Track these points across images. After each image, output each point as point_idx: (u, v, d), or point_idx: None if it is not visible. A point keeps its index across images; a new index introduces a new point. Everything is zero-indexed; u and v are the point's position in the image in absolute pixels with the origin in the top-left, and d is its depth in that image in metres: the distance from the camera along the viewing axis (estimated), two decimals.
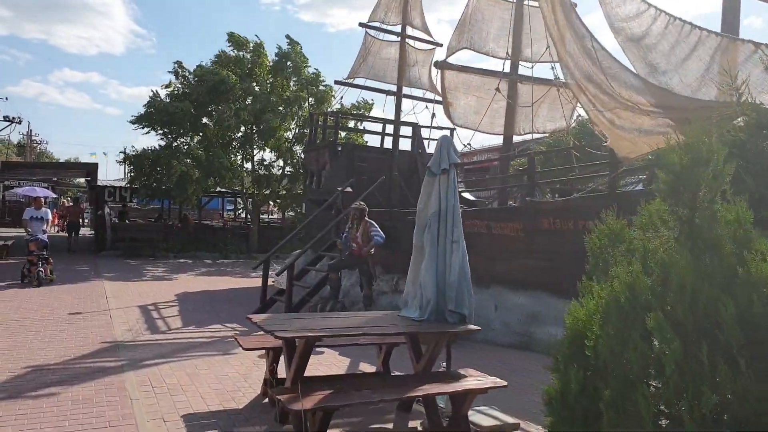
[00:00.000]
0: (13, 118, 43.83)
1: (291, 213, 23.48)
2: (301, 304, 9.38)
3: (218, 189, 22.34)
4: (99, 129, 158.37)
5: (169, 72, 20.74)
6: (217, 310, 10.27)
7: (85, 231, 26.06)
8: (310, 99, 21.19)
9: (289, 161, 21.12)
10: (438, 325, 4.99)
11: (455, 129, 13.59)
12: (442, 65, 9.09)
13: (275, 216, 31.28)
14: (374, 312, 5.80)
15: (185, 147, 20.06)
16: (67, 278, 13.24)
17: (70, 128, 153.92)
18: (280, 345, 5.16)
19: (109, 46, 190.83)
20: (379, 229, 8.67)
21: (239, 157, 21.05)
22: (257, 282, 13.79)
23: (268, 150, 21.02)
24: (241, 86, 19.17)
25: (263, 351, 5.82)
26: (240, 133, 20.71)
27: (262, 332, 7.88)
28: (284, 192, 21.52)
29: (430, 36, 13.94)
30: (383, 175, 11.61)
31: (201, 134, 20.53)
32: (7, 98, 55.69)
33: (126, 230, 19.11)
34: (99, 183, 23.07)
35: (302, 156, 19.69)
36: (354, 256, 8.92)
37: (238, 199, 30.89)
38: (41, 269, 11.71)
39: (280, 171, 21.58)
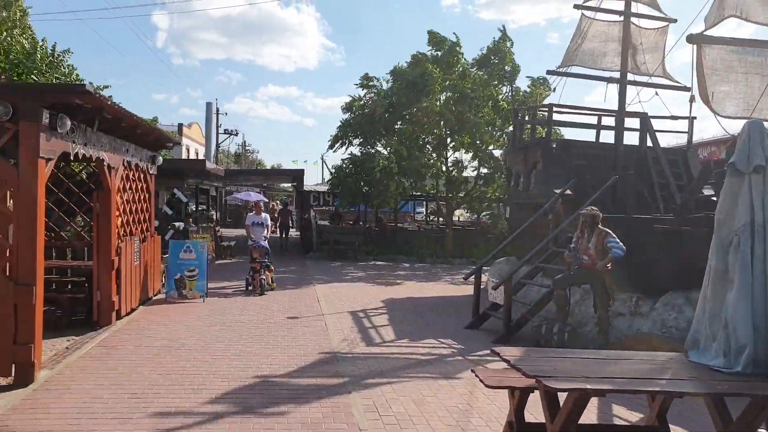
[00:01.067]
0: (232, 131, 49.74)
1: (486, 215, 22.46)
2: (520, 322, 8.37)
3: (412, 193, 22.16)
4: (298, 138, 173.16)
5: (356, 85, 21.15)
6: (427, 321, 9.71)
7: (292, 232, 27.90)
8: (508, 94, 20.09)
9: (485, 162, 20.16)
10: (761, 382, 3.65)
11: (695, 118, 11.51)
12: (698, 39, 7.40)
13: (462, 218, 30.63)
14: (654, 354, 4.56)
15: (384, 149, 20.27)
16: (282, 279, 13.81)
17: (274, 138, 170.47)
18: (531, 384, 4.26)
19: (305, 62, 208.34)
20: (617, 240, 7.33)
21: (433, 159, 20.69)
22: (461, 290, 13.16)
23: (463, 151, 20.32)
24: (441, 81, 18.69)
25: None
26: (432, 135, 20.36)
27: (485, 354, 6.97)
28: (478, 194, 20.66)
29: (660, 11, 11.99)
30: (605, 174, 10.10)
31: (395, 138, 20.54)
32: (226, 113, 62.93)
33: (330, 233, 19.80)
34: (305, 188, 24.40)
35: (502, 156, 18.64)
36: (585, 271, 7.69)
37: (428, 202, 30.90)
38: (263, 277, 11.69)
39: (475, 172, 20.76)
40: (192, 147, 43.93)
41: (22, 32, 11.97)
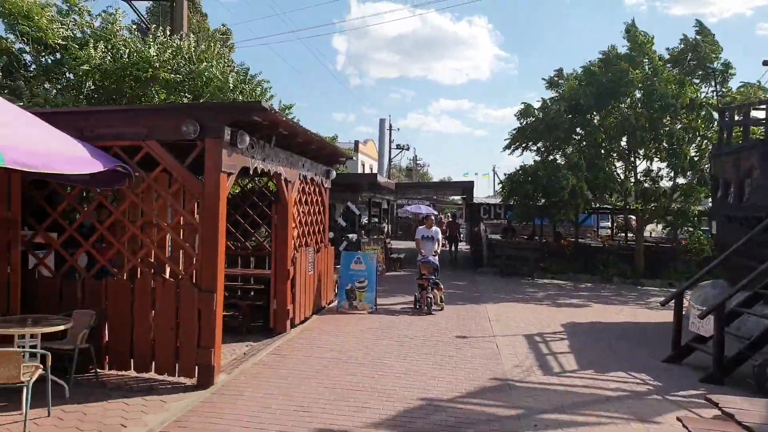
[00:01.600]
0: (403, 146, 51.42)
1: (686, 230, 19.79)
2: (737, 360, 6.94)
3: (595, 205, 20.38)
4: (469, 150, 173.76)
5: (544, 80, 19.97)
6: (615, 350, 8.56)
7: (461, 245, 27.49)
8: (708, 94, 17.66)
9: (686, 171, 17.75)
10: None
11: None
12: None
13: (654, 234, 27.61)
14: None
15: (563, 159, 18.96)
16: (451, 295, 13.40)
17: (445, 152, 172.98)
18: None
19: (476, 73, 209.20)
20: None
21: (620, 167, 18.85)
22: (656, 316, 11.63)
23: (657, 159, 18.18)
24: (636, 82, 16.94)
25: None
26: (619, 142, 18.57)
27: (689, 396, 5.87)
28: (676, 207, 18.26)
29: None
30: None
31: (576, 144, 19.10)
32: (398, 129, 65.10)
33: (502, 248, 18.97)
34: (474, 201, 23.87)
35: (706, 162, 16.39)
36: None
37: (614, 215, 28.43)
38: (430, 295, 10.77)
39: (671, 182, 18.45)
40: (367, 162, 45.83)
41: (223, 63, 13.09)
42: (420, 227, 12.31)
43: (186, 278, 5.84)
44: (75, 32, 10.52)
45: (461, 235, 28.30)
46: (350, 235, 16.48)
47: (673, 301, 8.25)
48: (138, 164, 5.96)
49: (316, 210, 10.39)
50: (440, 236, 12.12)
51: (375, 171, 44.05)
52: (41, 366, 4.58)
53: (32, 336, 4.95)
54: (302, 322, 9.11)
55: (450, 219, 27.62)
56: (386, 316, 10.34)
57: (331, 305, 10.87)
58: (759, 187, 9.40)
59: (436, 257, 11.54)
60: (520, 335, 9.33)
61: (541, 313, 11.76)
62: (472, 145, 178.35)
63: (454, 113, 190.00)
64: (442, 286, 11.46)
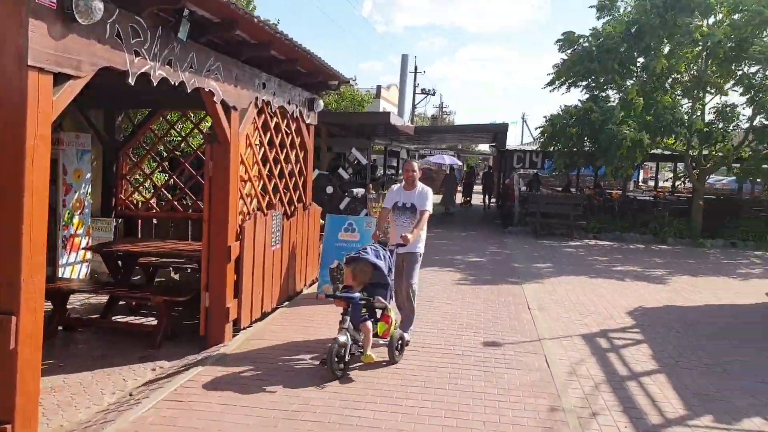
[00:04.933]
0: (429, 90, 48.33)
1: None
2: None
3: (650, 150, 16.98)
4: (497, 99, 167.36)
5: (592, 8, 16.24)
6: (724, 362, 5.65)
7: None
8: None
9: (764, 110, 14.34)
10: None
11: None
12: None
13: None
14: None
15: (615, 96, 15.62)
16: (473, 266, 10.52)
17: (472, 101, 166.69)
18: None
19: (509, 20, 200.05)
20: None
21: (685, 104, 15.44)
22: (742, 293, 8.68)
23: (738, 93, 14.74)
24: None
25: None
26: (689, 73, 15.20)
27: None
28: (748, 154, 15.01)
29: None
30: None
31: (634, 78, 15.67)
32: (424, 71, 61.19)
33: (536, 203, 15.82)
34: (507, 148, 20.59)
35: None
36: None
37: (659, 165, 25.13)
38: (342, 337, 4.74)
39: (748, 124, 15.03)
40: (391, 111, 41.95)
41: None
42: (394, 187, 6.06)
43: None
44: None
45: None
46: (355, 190, 13.53)
47: None
48: None
49: (292, 156, 7.44)
50: (428, 206, 5.69)
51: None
52: None
53: None
54: (260, 319, 6.30)
55: (486, 170, 26.83)
56: None
57: (312, 288, 8.03)
58: None
59: (410, 249, 5.55)
60: (577, 336, 6.44)
61: (596, 291, 8.87)
62: (501, 93, 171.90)
63: (484, 62, 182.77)
64: (390, 314, 5.15)
